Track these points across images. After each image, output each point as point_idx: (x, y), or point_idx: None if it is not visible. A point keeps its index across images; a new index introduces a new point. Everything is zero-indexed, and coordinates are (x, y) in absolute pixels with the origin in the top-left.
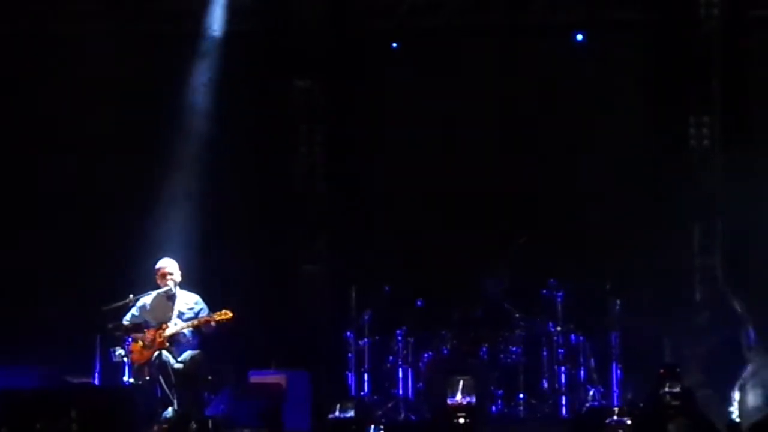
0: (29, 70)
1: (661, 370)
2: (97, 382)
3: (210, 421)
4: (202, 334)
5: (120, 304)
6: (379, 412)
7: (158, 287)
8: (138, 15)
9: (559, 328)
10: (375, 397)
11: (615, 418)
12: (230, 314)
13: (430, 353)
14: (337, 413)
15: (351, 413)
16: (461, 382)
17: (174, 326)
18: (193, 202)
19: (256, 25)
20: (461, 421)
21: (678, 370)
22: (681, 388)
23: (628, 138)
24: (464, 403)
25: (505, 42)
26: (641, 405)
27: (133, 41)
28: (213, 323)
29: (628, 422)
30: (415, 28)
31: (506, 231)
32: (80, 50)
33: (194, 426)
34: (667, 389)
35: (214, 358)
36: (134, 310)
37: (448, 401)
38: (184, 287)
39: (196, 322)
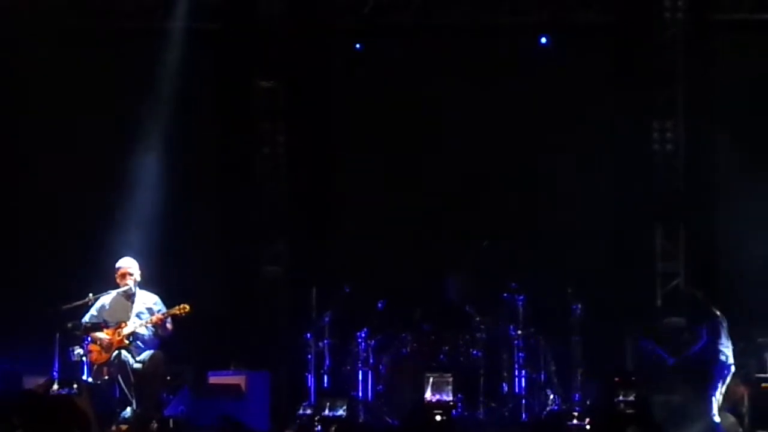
0: None
1: (616, 378)
2: (56, 381)
3: (171, 421)
4: (159, 336)
5: (79, 303)
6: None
7: (118, 287)
8: (99, 12)
9: (519, 332)
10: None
11: (575, 422)
12: (188, 308)
13: (390, 355)
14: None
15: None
16: (437, 380)
17: (132, 325)
18: (154, 201)
19: (219, 23)
20: (438, 418)
21: (633, 378)
22: (635, 397)
23: (592, 141)
24: (441, 400)
25: (468, 43)
26: (597, 411)
27: (94, 39)
28: (168, 325)
29: (588, 426)
30: (379, 27)
31: (468, 234)
32: (40, 48)
33: (155, 426)
34: (621, 397)
35: (174, 358)
36: (93, 310)
37: (425, 399)
38: (143, 287)
39: (154, 318)
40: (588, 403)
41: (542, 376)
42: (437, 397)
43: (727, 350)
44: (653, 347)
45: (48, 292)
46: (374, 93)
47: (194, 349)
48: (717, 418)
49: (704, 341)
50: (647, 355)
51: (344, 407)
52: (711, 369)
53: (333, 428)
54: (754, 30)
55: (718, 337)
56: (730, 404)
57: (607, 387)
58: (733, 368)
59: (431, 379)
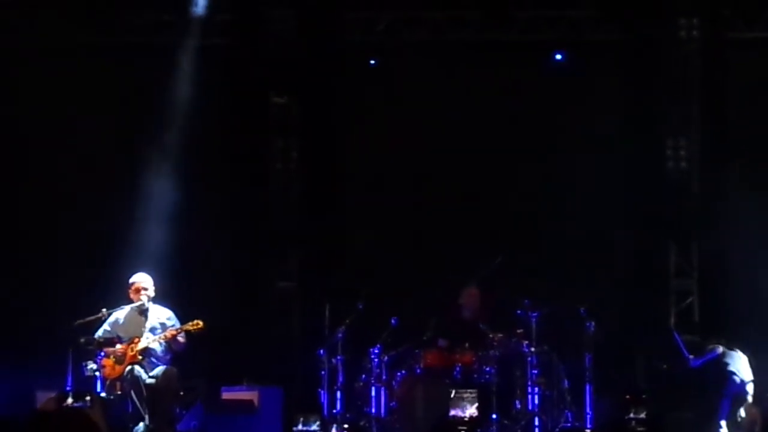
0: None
1: (627, 396)
2: (69, 394)
3: None
4: (172, 351)
5: (92, 318)
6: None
7: (131, 302)
8: (112, 28)
9: (533, 349)
10: (348, 415)
11: None
12: (201, 324)
13: (403, 372)
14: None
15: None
16: (461, 395)
17: (146, 340)
18: (167, 217)
19: (233, 39)
20: None
21: (644, 396)
22: (646, 414)
23: (606, 159)
24: (465, 416)
25: (484, 60)
26: (607, 428)
27: (109, 55)
28: (183, 337)
29: None
30: (394, 44)
31: (483, 251)
32: (55, 62)
33: None
34: (632, 415)
35: (187, 373)
36: (107, 325)
37: (450, 414)
38: (157, 302)
39: (168, 334)
40: (600, 420)
41: (555, 393)
42: (461, 412)
43: (738, 375)
44: (681, 345)
45: (61, 307)
46: (387, 109)
47: (207, 365)
48: None
49: (714, 354)
50: (674, 350)
51: (318, 423)
52: (721, 385)
53: None
54: None
55: (731, 357)
56: (744, 427)
57: (617, 404)
58: (749, 389)
59: (454, 395)
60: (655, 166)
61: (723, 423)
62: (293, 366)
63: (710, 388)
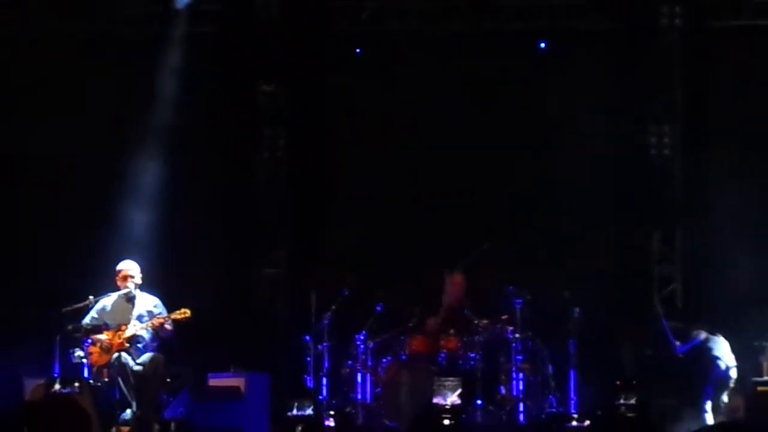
0: None
1: (618, 382)
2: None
3: (172, 424)
4: (160, 338)
5: (80, 305)
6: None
7: (118, 289)
8: (99, 16)
9: (517, 335)
10: (333, 401)
11: (574, 423)
12: (188, 313)
13: (389, 358)
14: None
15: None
16: (445, 383)
17: (133, 327)
18: (155, 205)
19: (219, 28)
20: (446, 422)
21: (634, 382)
22: (636, 401)
23: (590, 146)
24: (449, 404)
25: (468, 49)
26: (598, 414)
27: (95, 45)
28: (167, 326)
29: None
30: (380, 33)
31: (468, 237)
32: (41, 53)
33: (157, 428)
34: (622, 401)
35: (174, 360)
36: (94, 312)
37: (434, 402)
38: (144, 290)
39: (155, 321)
40: (585, 405)
41: (539, 378)
42: (442, 400)
43: (722, 361)
44: (668, 332)
45: (48, 294)
46: (375, 98)
47: (194, 351)
48: (710, 421)
49: (698, 341)
50: (660, 339)
51: (311, 407)
52: (706, 371)
53: (299, 428)
54: (752, 36)
55: (714, 343)
56: (726, 414)
57: (608, 390)
58: (733, 374)
59: (439, 383)
60: (638, 153)
61: (708, 408)
62: (280, 352)
63: (694, 374)
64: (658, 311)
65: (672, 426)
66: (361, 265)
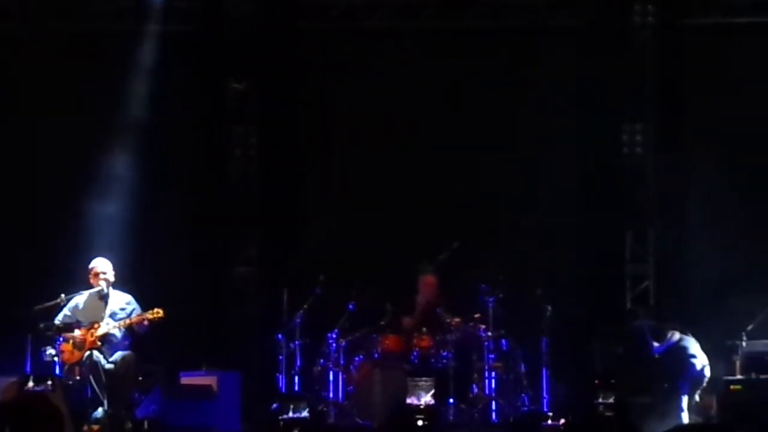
0: None
1: (596, 381)
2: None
3: (145, 422)
4: (134, 334)
5: (51, 303)
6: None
7: (91, 287)
8: (71, 13)
9: (490, 333)
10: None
11: (549, 422)
12: (162, 313)
13: (361, 357)
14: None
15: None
16: (419, 383)
17: (105, 326)
18: (126, 203)
19: (191, 25)
20: (419, 423)
21: (612, 381)
22: (614, 399)
23: (562, 144)
24: (421, 404)
25: (439, 46)
26: (573, 415)
27: (67, 41)
28: (145, 322)
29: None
30: (351, 30)
31: (439, 235)
32: (12, 49)
33: (129, 426)
34: (601, 400)
35: (145, 358)
36: (66, 310)
37: (408, 403)
38: (116, 287)
39: (127, 321)
40: (558, 404)
41: (512, 377)
42: (416, 400)
43: (698, 359)
44: (646, 334)
45: (20, 292)
46: (346, 95)
47: (166, 350)
48: (686, 419)
49: (672, 343)
50: (638, 340)
51: (307, 409)
52: (681, 369)
53: (296, 431)
54: (725, 34)
55: (688, 342)
56: (700, 414)
57: (581, 388)
58: (707, 372)
59: (413, 383)
60: (610, 151)
61: (684, 406)
62: (252, 351)
63: (669, 373)
64: (635, 313)
65: (648, 424)
66: (333, 263)
